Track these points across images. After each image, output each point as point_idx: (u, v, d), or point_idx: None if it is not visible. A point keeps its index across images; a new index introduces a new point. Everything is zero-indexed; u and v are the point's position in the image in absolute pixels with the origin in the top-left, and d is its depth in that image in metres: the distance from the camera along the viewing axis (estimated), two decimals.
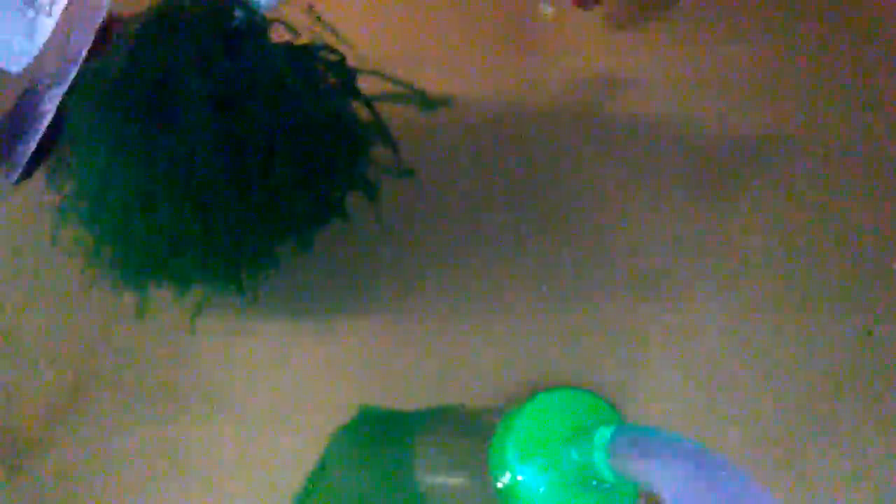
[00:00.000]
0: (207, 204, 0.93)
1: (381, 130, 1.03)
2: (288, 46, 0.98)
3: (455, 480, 0.87)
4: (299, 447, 1.03)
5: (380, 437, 1.02)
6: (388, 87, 1.03)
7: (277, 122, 0.93)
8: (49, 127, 0.90)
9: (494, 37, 1.31)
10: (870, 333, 1.10)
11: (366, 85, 1.01)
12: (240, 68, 0.93)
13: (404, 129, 1.04)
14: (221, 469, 1.03)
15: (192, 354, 1.08)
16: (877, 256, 1.15)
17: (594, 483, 0.70)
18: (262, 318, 1.10)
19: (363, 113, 1.02)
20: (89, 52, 0.88)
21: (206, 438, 1.04)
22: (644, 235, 1.17)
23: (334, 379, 1.08)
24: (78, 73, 0.92)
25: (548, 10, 1.33)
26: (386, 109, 1.03)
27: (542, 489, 0.72)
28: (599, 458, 0.66)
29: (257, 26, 0.95)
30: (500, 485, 0.74)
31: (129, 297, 1.01)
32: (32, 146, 0.87)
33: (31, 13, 0.87)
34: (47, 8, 0.88)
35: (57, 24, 0.88)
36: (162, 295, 1.04)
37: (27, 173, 0.95)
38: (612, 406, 0.77)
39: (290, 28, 0.98)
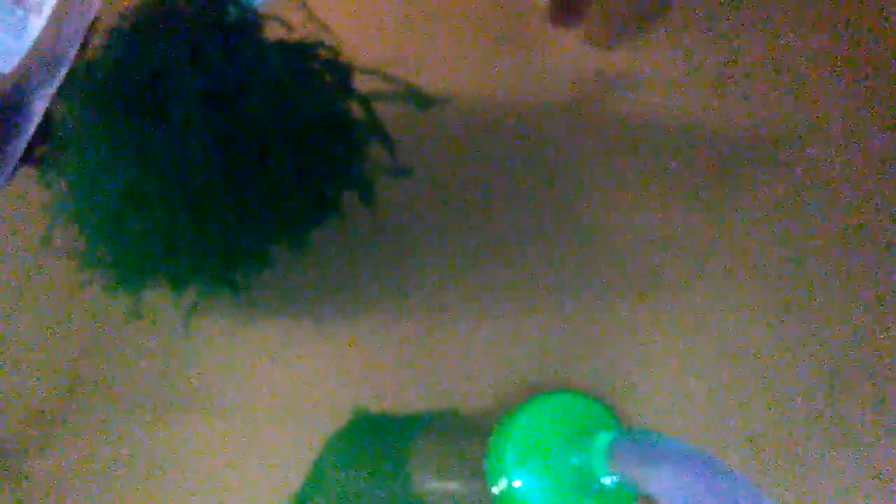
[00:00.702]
0: (200, 202, 0.92)
1: (376, 128, 1.02)
2: (282, 43, 0.96)
3: (451, 485, 0.86)
4: (295, 448, 1.02)
5: (376, 440, 1.01)
6: (383, 85, 1.02)
7: (271, 119, 0.92)
8: (38, 126, 0.89)
9: (491, 34, 1.30)
10: (871, 330, 1.10)
11: (360, 83, 1.00)
12: (233, 65, 0.91)
13: (400, 127, 1.03)
14: (216, 470, 1.02)
15: (186, 356, 1.07)
16: (879, 249, 1.15)
17: (593, 487, 0.69)
18: (257, 319, 1.10)
19: (358, 111, 1.01)
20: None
21: (201, 440, 1.04)
22: (643, 233, 1.16)
23: (330, 379, 1.07)
24: (68, 71, 0.91)
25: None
26: (381, 108, 1.02)
27: (539, 494, 0.71)
28: (599, 463, 0.65)
29: (250, 23, 0.94)
30: (496, 490, 0.73)
31: (122, 299, 1.00)
32: (22, 146, 0.86)
33: (20, 12, 0.86)
34: (37, 7, 0.87)
35: (47, 22, 0.87)
36: (156, 296, 1.04)
37: (14, 173, 0.94)
38: (610, 409, 0.76)
39: (285, 25, 0.96)
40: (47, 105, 0.87)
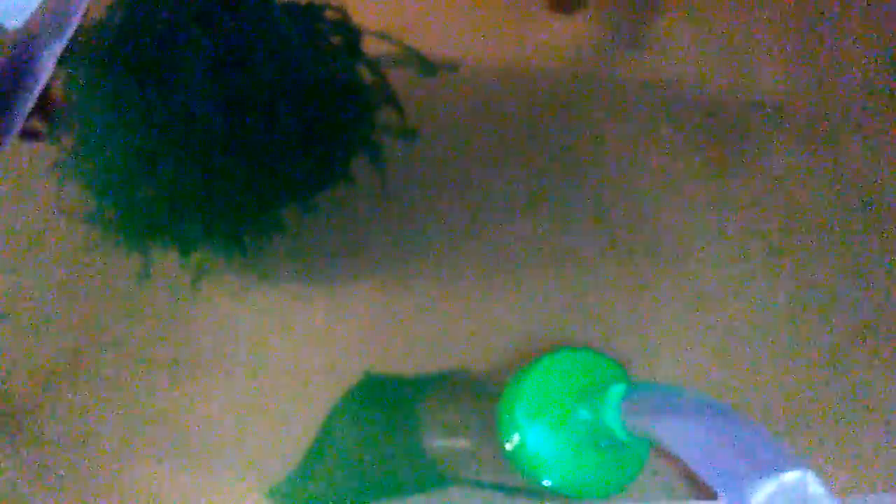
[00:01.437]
0: (208, 164, 0.91)
1: (385, 92, 1.02)
2: (290, 4, 0.96)
3: (463, 443, 0.87)
4: (303, 413, 1.03)
5: (386, 402, 1.02)
6: (392, 49, 1.01)
7: (279, 81, 0.91)
8: (45, 86, 0.87)
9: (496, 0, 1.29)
10: (887, 293, 1.10)
11: (369, 47, 0.99)
12: (241, 25, 0.91)
13: (409, 93, 1.03)
14: (224, 435, 1.03)
15: (194, 318, 1.07)
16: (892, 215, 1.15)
17: (605, 442, 0.69)
18: (265, 283, 1.09)
19: (366, 74, 1.00)
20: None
21: (209, 404, 1.04)
22: (655, 196, 1.16)
23: (339, 343, 1.07)
24: (75, 31, 0.89)
25: None
26: (390, 74, 1.01)
27: (551, 449, 0.72)
28: (611, 417, 0.65)
29: None
30: (509, 446, 0.73)
31: (131, 260, 1.00)
32: (29, 105, 0.85)
33: None
34: None
35: None
36: (165, 258, 1.03)
37: (25, 133, 0.93)
38: (620, 365, 0.76)
39: None
40: (55, 63, 0.86)
